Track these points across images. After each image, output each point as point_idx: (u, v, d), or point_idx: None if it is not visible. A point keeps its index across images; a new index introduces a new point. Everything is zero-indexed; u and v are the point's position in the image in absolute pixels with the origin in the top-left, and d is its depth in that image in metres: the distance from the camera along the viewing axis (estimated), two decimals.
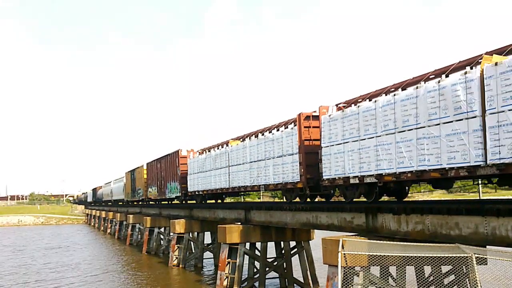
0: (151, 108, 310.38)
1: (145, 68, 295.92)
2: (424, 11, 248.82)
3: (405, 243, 11.76)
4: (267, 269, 23.01)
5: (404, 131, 13.48)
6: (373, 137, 14.86)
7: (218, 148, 29.22)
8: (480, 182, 13.80)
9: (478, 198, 25.56)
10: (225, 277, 22.25)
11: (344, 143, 16.44)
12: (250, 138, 24.73)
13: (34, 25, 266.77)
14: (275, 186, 21.97)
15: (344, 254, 12.52)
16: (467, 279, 12.42)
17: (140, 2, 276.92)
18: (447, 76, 12.69)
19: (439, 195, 64.25)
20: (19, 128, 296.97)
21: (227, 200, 36.94)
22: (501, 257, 10.29)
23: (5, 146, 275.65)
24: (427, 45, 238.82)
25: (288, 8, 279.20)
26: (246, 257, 22.97)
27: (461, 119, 11.60)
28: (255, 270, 23.24)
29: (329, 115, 17.60)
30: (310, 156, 19.23)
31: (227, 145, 27.87)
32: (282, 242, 23.38)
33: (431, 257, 11.49)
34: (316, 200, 22.13)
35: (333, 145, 17.14)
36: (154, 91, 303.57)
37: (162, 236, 42.11)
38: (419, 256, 11.60)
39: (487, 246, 11.07)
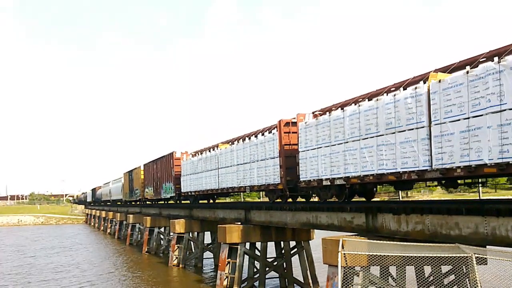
0: (151, 107, 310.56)
1: (145, 68, 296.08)
2: (424, 11, 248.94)
3: (405, 243, 11.76)
4: (267, 269, 23.02)
5: (367, 138, 15.08)
6: (342, 143, 16.47)
7: (209, 151, 30.63)
8: (479, 181, 14.55)
9: (478, 198, 25.59)
10: (225, 277, 22.26)
11: (318, 148, 18.05)
12: (237, 142, 26.16)
13: (34, 25, 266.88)
14: (259, 187, 23.58)
15: (344, 254, 12.53)
16: (467, 279, 12.43)
17: (140, 2, 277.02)
18: (404, 89, 14.14)
19: (439, 195, 64.30)
20: (19, 128, 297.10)
21: (228, 200, 37.43)
22: (501, 257, 10.30)
23: (5, 146, 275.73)
24: (427, 44, 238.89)
25: (288, 8, 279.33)
26: (246, 257, 22.98)
27: (412, 129, 13.22)
28: (255, 270, 23.25)
29: (305, 122, 19.16)
30: (290, 159, 20.84)
31: (217, 148, 29.28)
32: (282, 242, 23.39)
33: (431, 257, 11.50)
34: (298, 200, 23.32)
35: (308, 150, 18.73)
36: (154, 91, 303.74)
37: (162, 236, 42.13)
38: (419, 256, 11.61)
39: (487, 246, 11.08)
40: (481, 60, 12.15)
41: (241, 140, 25.95)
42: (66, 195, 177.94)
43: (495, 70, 10.82)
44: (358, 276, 13.00)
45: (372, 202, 16.07)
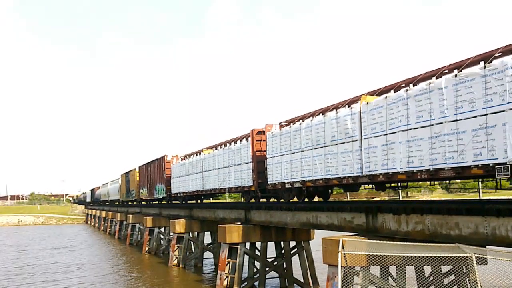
0: (151, 107, 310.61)
1: (145, 69, 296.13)
2: (424, 11, 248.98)
3: (405, 243, 11.76)
4: (267, 269, 23.02)
5: (318, 148, 17.78)
6: (299, 152, 19.16)
7: (195, 156, 33.42)
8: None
9: (478, 198, 25.58)
10: (225, 277, 22.27)
11: (281, 155, 20.79)
12: (219, 148, 28.83)
13: (34, 25, 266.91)
14: (236, 189, 26.28)
15: (344, 254, 12.52)
16: (467, 279, 12.43)
17: (140, 2, 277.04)
18: (349, 106, 16.67)
19: (439, 195, 64.28)
20: (19, 128, 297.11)
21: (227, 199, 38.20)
22: (501, 257, 10.29)
23: (5, 146, 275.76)
24: (426, 44, 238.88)
25: (288, 8, 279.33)
26: (246, 257, 22.98)
27: (349, 141, 15.97)
28: (255, 270, 23.25)
29: (272, 132, 22.00)
30: (260, 164, 23.49)
31: (201, 153, 32.11)
32: (282, 242, 23.38)
33: (431, 257, 11.49)
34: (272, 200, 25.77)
35: (274, 157, 21.49)
36: (154, 91, 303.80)
37: (162, 236, 42.14)
38: (419, 256, 11.60)
39: (487, 246, 11.07)
40: (403, 85, 14.67)
41: (222, 146, 28.69)
42: (66, 195, 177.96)
43: (403, 97, 13.58)
44: (358, 276, 13.00)
45: (372, 202, 16.12)
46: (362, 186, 17.58)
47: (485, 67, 11.11)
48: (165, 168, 40.39)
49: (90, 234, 71.87)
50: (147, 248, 42.17)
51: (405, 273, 13.14)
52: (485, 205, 11.06)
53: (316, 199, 22.08)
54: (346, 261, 12.60)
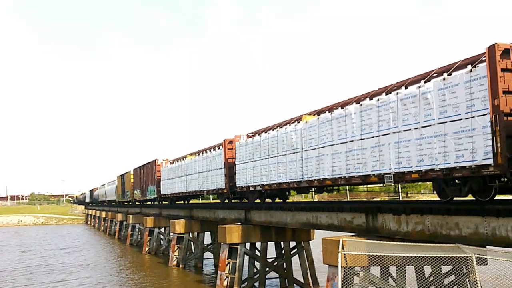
0: (151, 107, 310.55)
1: (144, 69, 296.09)
2: (424, 12, 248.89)
3: (405, 243, 11.76)
4: (267, 269, 23.01)
5: (272, 157, 21.51)
6: (258, 160, 22.92)
7: (181, 160, 37.19)
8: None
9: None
10: (225, 277, 22.26)
11: (246, 162, 24.45)
12: (200, 154, 32.83)
13: (34, 25, 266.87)
14: (213, 191, 30.32)
15: (344, 254, 12.52)
16: (467, 279, 12.43)
17: (140, 2, 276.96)
18: (298, 122, 20.07)
19: None
20: (19, 128, 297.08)
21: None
22: (501, 257, 10.29)
23: (5, 146, 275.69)
24: (425, 45, 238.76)
25: (288, 8, 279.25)
26: (246, 257, 22.97)
27: (294, 153, 19.71)
28: (255, 270, 23.24)
29: (239, 142, 25.53)
30: (231, 170, 26.72)
31: (185, 159, 35.93)
32: (282, 242, 23.38)
33: (431, 257, 11.49)
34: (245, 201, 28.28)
35: (241, 164, 25.09)
36: (154, 91, 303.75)
37: (162, 236, 42.14)
38: (419, 256, 11.60)
39: (487, 246, 11.07)
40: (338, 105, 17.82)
41: (202, 152, 32.65)
42: (66, 195, 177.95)
43: (329, 118, 17.17)
44: (358, 276, 13.00)
45: (372, 202, 16.14)
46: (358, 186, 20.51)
47: (378, 99, 14.84)
48: (156, 171, 43.77)
49: (90, 234, 71.85)
50: (147, 249, 42.16)
51: (405, 273, 13.14)
52: (485, 205, 11.07)
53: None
54: (346, 261, 12.61)
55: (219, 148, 28.92)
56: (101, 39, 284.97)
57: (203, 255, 33.13)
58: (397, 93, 14.17)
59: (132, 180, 55.48)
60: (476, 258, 10.55)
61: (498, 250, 10.58)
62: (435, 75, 13.52)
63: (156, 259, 37.55)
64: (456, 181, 12.90)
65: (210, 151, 30.79)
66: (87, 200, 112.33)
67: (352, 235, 14.64)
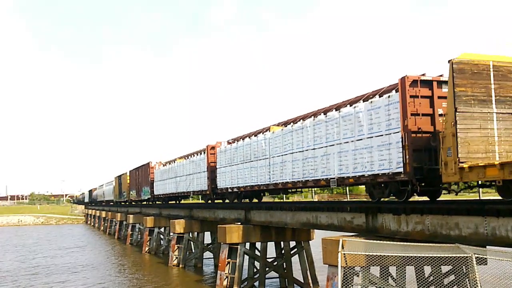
0: (152, 107, 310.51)
1: (144, 69, 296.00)
2: (423, 11, 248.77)
3: (405, 243, 11.75)
4: (267, 269, 23.01)
5: (246, 162, 24.60)
6: (235, 165, 25.88)
7: (172, 163, 40.28)
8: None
9: (478, 198, 25.54)
10: (225, 277, 22.26)
11: (225, 166, 27.50)
12: (188, 158, 35.88)
13: (34, 27, 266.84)
14: (197, 192, 33.61)
15: (344, 254, 12.51)
16: (467, 279, 12.42)
17: (140, 2, 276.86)
18: (267, 131, 22.75)
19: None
20: (19, 128, 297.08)
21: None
22: (501, 257, 10.29)
23: (5, 146, 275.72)
24: (425, 44, 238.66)
25: (288, 8, 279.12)
26: (246, 257, 22.96)
27: (264, 159, 22.47)
28: (255, 270, 23.23)
29: (220, 148, 28.66)
30: (213, 173, 29.69)
31: (174, 162, 39.19)
32: (282, 242, 23.37)
33: (431, 257, 11.49)
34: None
35: (221, 168, 28.19)
36: (154, 92, 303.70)
37: (162, 236, 42.14)
38: (419, 256, 11.60)
39: (487, 246, 11.07)
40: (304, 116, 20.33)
41: (189, 156, 35.66)
42: (66, 195, 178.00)
43: (290, 130, 20.19)
44: (358, 276, 12.99)
45: (372, 202, 16.11)
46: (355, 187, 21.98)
47: (326, 115, 17.68)
48: (150, 173, 47.07)
49: (90, 234, 71.84)
50: (147, 248, 42.18)
51: (405, 273, 13.14)
52: (485, 205, 11.06)
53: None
54: (346, 261, 12.60)
55: (203, 153, 31.95)
56: (101, 39, 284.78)
57: (203, 255, 33.14)
58: (339, 111, 16.73)
59: (128, 181, 58.61)
60: (476, 258, 10.54)
61: (498, 250, 10.57)
62: (371, 96, 15.89)
63: (156, 259, 37.55)
64: (381, 185, 15.59)
65: (196, 155, 33.65)
66: (86, 200, 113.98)
67: (352, 235, 14.63)
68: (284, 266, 23.52)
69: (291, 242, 23.52)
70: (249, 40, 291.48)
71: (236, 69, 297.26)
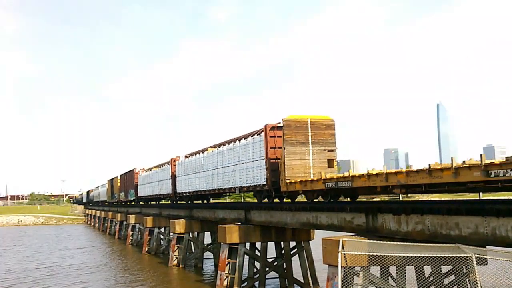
0: (152, 108, 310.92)
1: (144, 69, 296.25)
2: (423, 13, 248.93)
3: (405, 243, 11.75)
4: (267, 269, 23.01)
5: (193, 173, 33.25)
6: (188, 175, 34.81)
7: (149, 170, 49.73)
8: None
9: (478, 198, 25.56)
10: (225, 277, 22.26)
11: (181, 176, 36.62)
12: (158, 167, 45.11)
13: (34, 27, 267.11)
14: (165, 195, 42.72)
15: (344, 254, 12.52)
16: (467, 279, 12.43)
17: (140, 2, 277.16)
18: (206, 151, 31.35)
19: (439, 195, 64.19)
20: (20, 128, 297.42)
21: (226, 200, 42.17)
22: (501, 257, 10.29)
23: (5, 146, 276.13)
24: (425, 45, 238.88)
25: (288, 8, 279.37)
26: (246, 257, 22.97)
27: (203, 171, 31.19)
28: (255, 270, 23.23)
29: (178, 161, 37.94)
30: (175, 180, 38.52)
31: (150, 170, 49.16)
32: (282, 242, 23.37)
33: (431, 257, 11.49)
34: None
35: (179, 176, 37.36)
36: (154, 92, 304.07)
37: (162, 236, 42.16)
38: (419, 256, 11.60)
39: (487, 246, 11.07)
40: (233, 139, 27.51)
41: (160, 166, 44.58)
42: (66, 195, 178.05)
43: (216, 152, 29.20)
44: (358, 276, 12.99)
45: (372, 203, 16.11)
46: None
47: (227, 147, 27.19)
48: (134, 178, 55.78)
49: (90, 234, 71.86)
50: (147, 248, 42.22)
51: (405, 273, 13.15)
52: (485, 205, 11.07)
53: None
54: (346, 261, 12.61)
55: (168, 164, 40.83)
56: (101, 39, 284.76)
57: (203, 255, 33.15)
58: (240, 142, 25.71)
59: (118, 184, 66.77)
60: (476, 258, 10.55)
61: (498, 250, 10.58)
62: (256, 134, 24.08)
63: (156, 259, 37.56)
64: (259, 192, 23.90)
65: (164, 165, 42.61)
66: (85, 200, 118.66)
67: (352, 235, 14.63)
68: (284, 266, 23.51)
69: (291, 242, 23.52)
70: (249, 39, 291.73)
71: (236, 68, 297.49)
